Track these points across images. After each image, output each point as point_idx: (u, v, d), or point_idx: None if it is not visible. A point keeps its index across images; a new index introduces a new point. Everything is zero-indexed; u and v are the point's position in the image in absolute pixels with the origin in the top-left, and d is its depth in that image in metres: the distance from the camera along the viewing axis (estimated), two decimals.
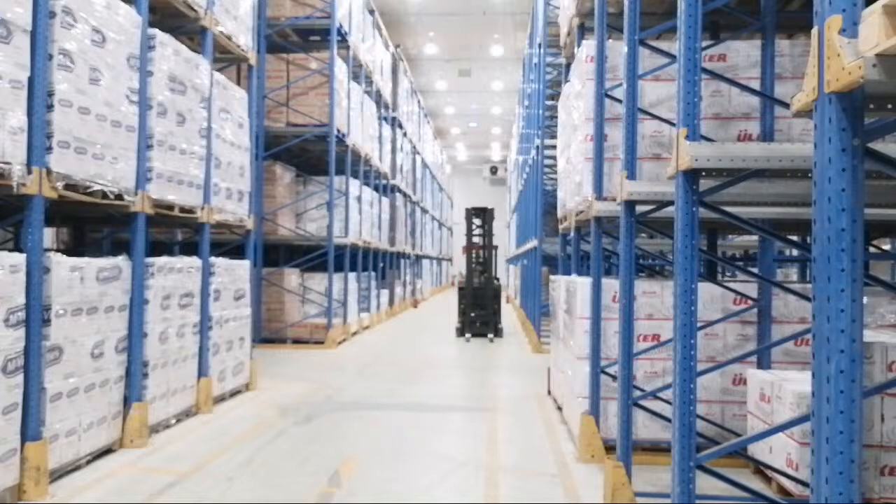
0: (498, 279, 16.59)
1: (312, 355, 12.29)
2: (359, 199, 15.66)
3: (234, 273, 8.40)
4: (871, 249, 7.39)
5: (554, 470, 5.82)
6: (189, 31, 7.77)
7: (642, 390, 5.62)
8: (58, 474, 5.24)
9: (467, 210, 16.64)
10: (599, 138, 6.04)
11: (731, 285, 6.05)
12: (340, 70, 13.74)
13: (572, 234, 7.57)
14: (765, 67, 5.88)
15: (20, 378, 4.78)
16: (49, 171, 5.04)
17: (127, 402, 6.19)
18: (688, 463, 3.54)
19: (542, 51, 13.77)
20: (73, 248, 8.29)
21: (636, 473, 4.91)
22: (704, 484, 3.86)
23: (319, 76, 13.32)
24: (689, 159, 3.46)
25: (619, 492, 4.76)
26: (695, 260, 3.65)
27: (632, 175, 5.00)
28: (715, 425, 5.88)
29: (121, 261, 6.11)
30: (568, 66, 8.43)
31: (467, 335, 15.23)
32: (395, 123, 21.33)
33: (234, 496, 5.09)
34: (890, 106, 2.35)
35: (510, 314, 21.70)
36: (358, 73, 15.78)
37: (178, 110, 6.94)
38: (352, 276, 14.99)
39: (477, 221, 16.37)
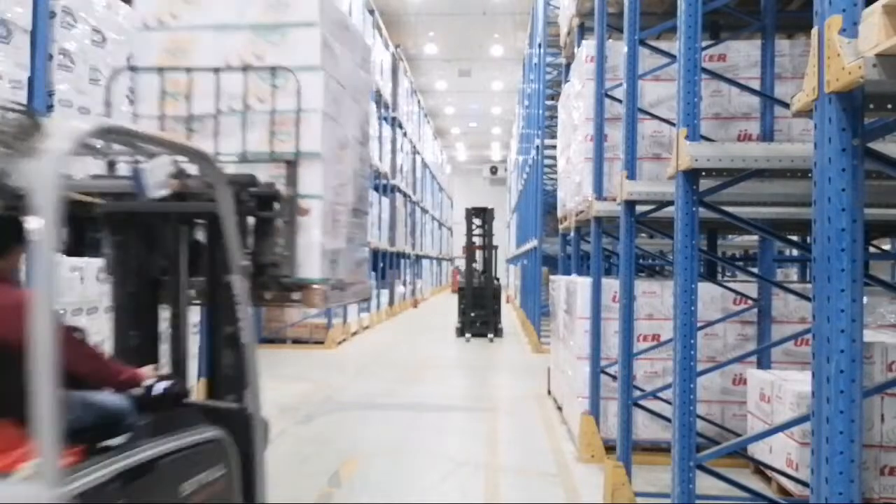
0: (498, 279, 16.58)
1: (312, 355, 12.28)
2: None
3: None
4: (871, 249, 7.38)
5: (554, 470, 5.82)
6: None
7: (642, 390, 5.62)
8: None
9: (467, 210, 16.64)
10: (599, 138, 6.04)
11: (731, 285, 6.05)
12: None
13: (572, 234, 7.58)
14: (765, 67, 5.88)
15: None
16: None
17: None
18: (688, 463, 3.54)
19: (542, 51, 13.77)
20: (73, 248, 8.28)
21: (636, 473, 4.91)
22: (704, 484, 3.86)
23: None
24: (689, 159, 3.46)
25: (619, 492, 4.76)
26: (695, 260, 3.65)
27: (632, 175, 5.00)
28: (715, 425, 5.87)
29: None
30: (568, 66, 8.43)
31: (467, 335, 15.22)
32: (395, 123, 21.32)
33: None
34: (890, 106, 2.35)
35: (510, 314, 21.69)
36: None
37: None
38: None
39: (477, 221, 16.37)
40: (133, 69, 4.13)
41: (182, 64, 4.03)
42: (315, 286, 3.82)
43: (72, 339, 2.51)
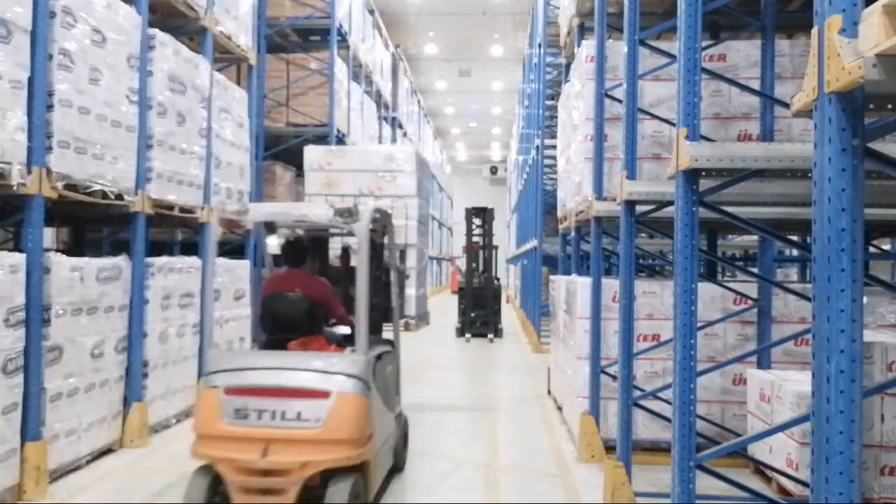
0: (498, 279, 16.57)
1: None
2: None
3: (234, 273, 8.39)
4: (871, 249, 7.38)
5: (554, 470, 5.82)
6: (189, 31, 7.77)
7: (642, 390, 5.62)
8: (58, 474, 5.24)
9: (467, 210, 16.62)
10: (599, 138, 6.04)
11: (731, 285, 6.05)
12: (340, 70, 13.73)
13: (572, 234, 7.57)
14: (765, 67, 5.88)
15: (20, 378, 4.78)
16: (49, 171, 5.04)
17: (127, 402, 6.18)
18: (688, 463, 3.54)
19: (542, 51, 13.77)
20: (73, 248, 8.28)
21: (636, 473, 4.91)
22: (704, 484, 3.86)
23: (319, 76, 13.31)
24: (689, 159, 3.46)
25: (619, 492, 4.76)
26: (695, 260, 3.65)
27: (632, 175, 5.00)
28: (715, 425, 5.87)
29: (121, 261, 6.11)
30: (568, 66, 8.43)
31: (467, 335, 15.20)
32: (395, 123, 21.33)
33: None
34: (890, 106, 2.35)
35: (510, 314, 21.69)
36: (358, 73, 15.77)
37: (178, 110, 6.94)
38: None
39: (477, 221, 16.36)
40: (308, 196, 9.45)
41: (334, 192, 9.12)
42: (411, 319, 10.26)
43: (336, 295, 5.23)
